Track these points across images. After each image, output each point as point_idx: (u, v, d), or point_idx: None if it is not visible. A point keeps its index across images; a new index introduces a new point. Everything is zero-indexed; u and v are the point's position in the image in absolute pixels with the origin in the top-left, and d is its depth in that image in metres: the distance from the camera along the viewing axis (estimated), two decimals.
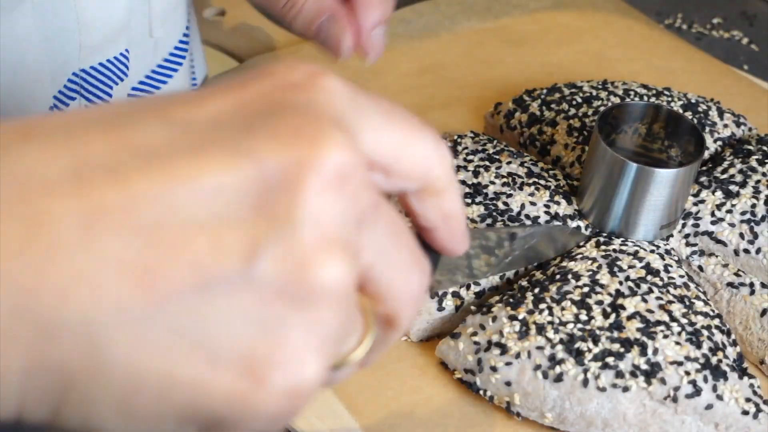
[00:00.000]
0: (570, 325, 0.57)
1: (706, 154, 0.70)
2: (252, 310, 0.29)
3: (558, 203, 0.65)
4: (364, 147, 0.32)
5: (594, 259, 0.62)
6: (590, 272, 0.60)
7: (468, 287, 0.61)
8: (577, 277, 0.60)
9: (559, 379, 0.56)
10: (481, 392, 0.58)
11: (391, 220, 0.33)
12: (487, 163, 0.67)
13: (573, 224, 0.64)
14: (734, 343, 0.60)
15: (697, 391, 0.55)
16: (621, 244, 0.63)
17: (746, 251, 0.63)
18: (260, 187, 0.29)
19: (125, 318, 0.27)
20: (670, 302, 0.59)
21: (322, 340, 0.30)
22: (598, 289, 0.59)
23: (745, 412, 0.56)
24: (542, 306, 0.58)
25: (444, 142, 0.36)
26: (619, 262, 0.61)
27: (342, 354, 0.32)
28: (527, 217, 0.63)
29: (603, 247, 0.63)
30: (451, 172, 0.35)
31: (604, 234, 0.64)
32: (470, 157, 0.67)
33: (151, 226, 0.27)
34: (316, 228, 0.29)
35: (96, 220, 0.27)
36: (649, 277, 0.60)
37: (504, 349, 0.57)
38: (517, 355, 0.56)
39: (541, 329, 0.57)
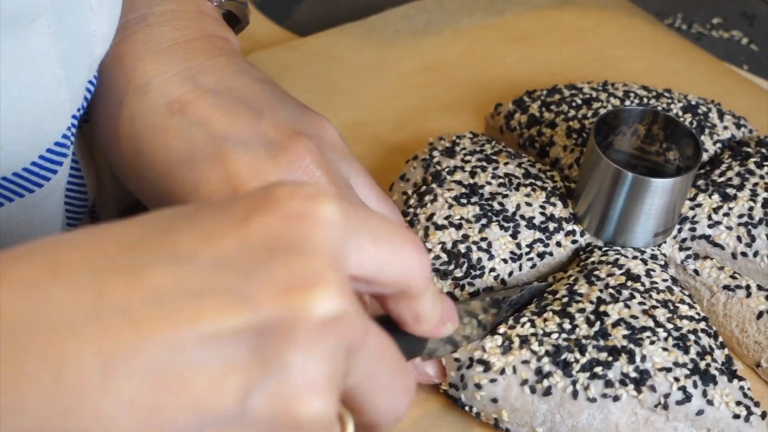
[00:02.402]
0: (554, 336, 0.56)
1: (705, 156, 0.69)
2: None
3: (554, 205, 0.64)
4: (350, 268, 0.35)
5: (570, 275, 0.61)
6: (567, 285, 0.60)
7: (462, 288, 0.61)
8: (553, 292, 0.60)
9: (547, 392, 0.55)
10: (467, 408, 0.57)
11: (377, 344, 0.36)
12: (484, 163, 0.66)
13: (568, 227, 0.64)
14: (722, 346, 0.59)
15: (688, 397, 0.55)
16: (601, 256, 0.62)
17: (744, 254, 0.63)
18: (255, 333, 0.32)
19: None
20: (654, 307, 0.58)
21: None
22: (577, 297, 0.59)
23: (737, 416, 0.56)
24: (523, 319, 0.57)
25: (425, 251, 0.39)
26: (596, 272, 0.60)
27: None
28: (522, 217, 0.63)
29: (582, 263, 0.63)
30: (428, 280, 0.39)
31: (588, 247, 0.64)
32: (468, 158, 0.67)
33: (157, 368, 0.30)
34: (304, 371, 0.32)
35: (113, 363, 0.30)
36: (629, 283, 0.60)
37: (487, 365, 0.56)
38: (502, 371, 0.55)
39: (524, 342, 0.56)
